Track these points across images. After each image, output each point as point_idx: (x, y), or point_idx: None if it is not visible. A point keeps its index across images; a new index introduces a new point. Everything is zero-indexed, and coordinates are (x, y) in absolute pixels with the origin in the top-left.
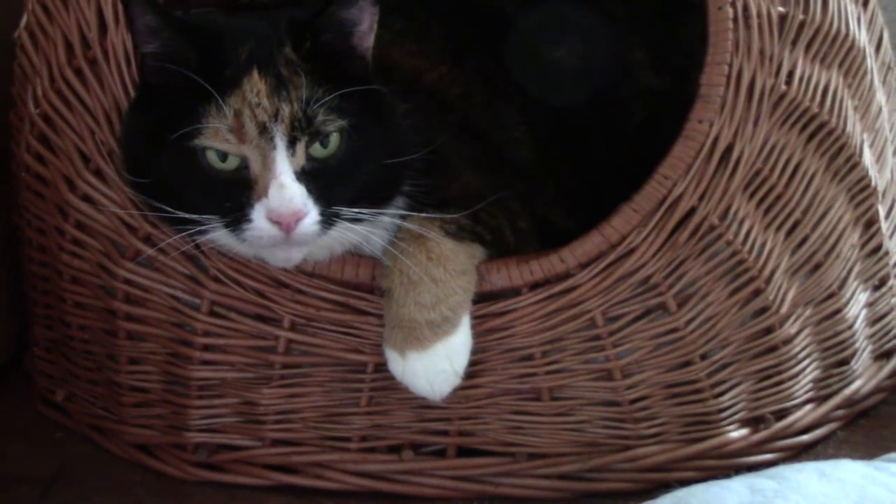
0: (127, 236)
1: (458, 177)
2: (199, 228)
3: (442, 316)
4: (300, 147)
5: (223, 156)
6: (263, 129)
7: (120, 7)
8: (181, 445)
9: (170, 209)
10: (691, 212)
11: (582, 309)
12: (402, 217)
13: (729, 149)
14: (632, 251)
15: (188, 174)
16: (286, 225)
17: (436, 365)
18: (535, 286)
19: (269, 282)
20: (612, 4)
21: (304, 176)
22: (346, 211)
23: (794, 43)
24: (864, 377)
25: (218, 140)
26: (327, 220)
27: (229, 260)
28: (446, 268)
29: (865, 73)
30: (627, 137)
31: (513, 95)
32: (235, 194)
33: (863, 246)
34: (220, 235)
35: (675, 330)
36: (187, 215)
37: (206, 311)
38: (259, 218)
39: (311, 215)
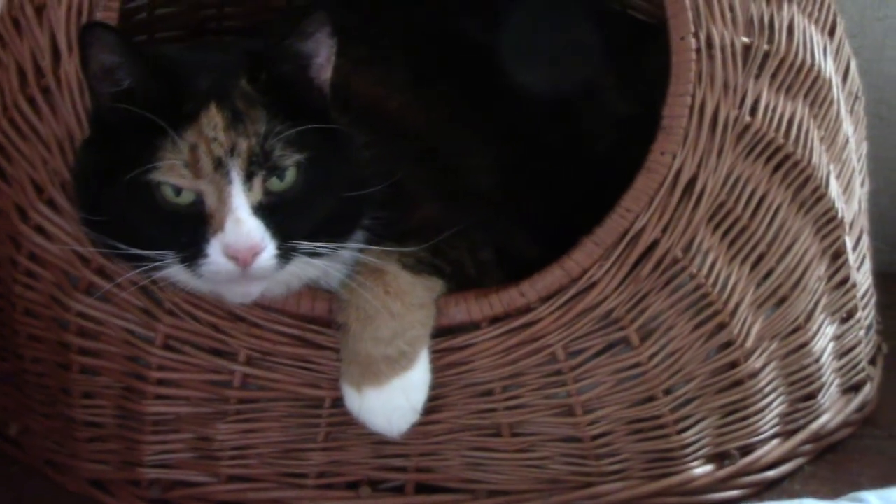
0: (80, 268)
1: (418, 208)
2: (154, 265)
3: (399, 351)
4: (257, 181)
5: (178, 190)
6: (219, 164)
7: (73, 35)
8: (135, 482)
9: (125, 247)
10: (654, 245)
11: (542, 343)
12: (361, 251)
13: (692, 180)
14: (593, 285)
15: (143, 210)
16: (243, 260)
17: (393, 401)
18: (494, 320)
19: (224, 315)
20: (583, 30)
21: (260, 210)
22: (305, 245)
23: (759, 74)
24: (831, 411)
25: (173, 175)
26: (285, 255)
27: (184, 293)
28: (404, 301)
29: (832, 103)
30: (594, 164)
31: (478, 122)
32: (191, 229)
33: (829, 278)
34: (175, 271)
35: (637, 364)
36: (143, 252)
37: (161, 345)
38: (215, 253)
39: (269, 250)
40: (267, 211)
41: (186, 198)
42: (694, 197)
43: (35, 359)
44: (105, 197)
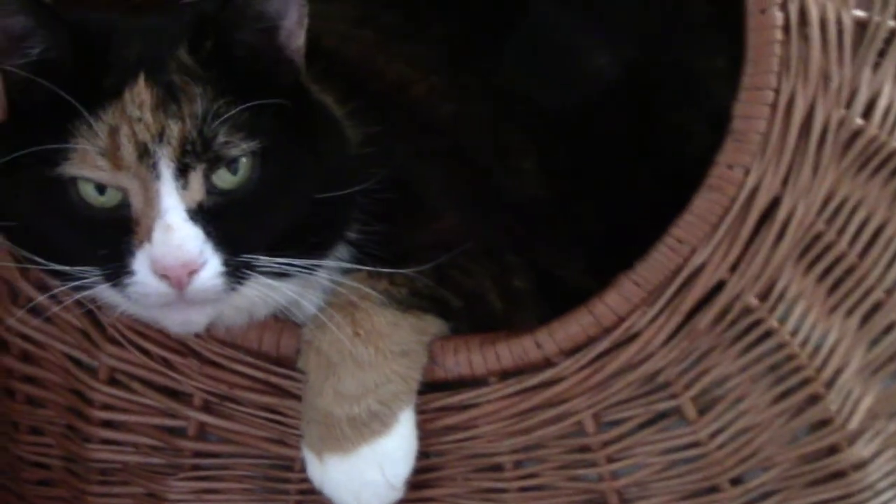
0: (17, 279)
1: (430, 220)
2: (76, 283)
3: (369, 411)
4: (195, 176)
5: (101, 189)
6: (145, 153)
7: None
8: None
9: (40, 260)
10: (718, 288)
11: (566, 409)
12: (344, 272)
13: (774, 204)
14: (633, 338)
15: (57, 215)
16: (176, 279)
17: (362, 474)
18: (505, 375)
19: (176, 348)
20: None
21: (200, 214)
22: (263, 261)
23: (878, 61)
24: None
25: (87, 166)
26: (235, 273)
27: (128, 318)
28: (378, 347)
29: None
30: (682, 170)
31: (524, 116)
32: (114, 239)
33: None
34: (102, 291)
35: (695, 444)
36: (59, 267)
37: (105, 379)
38: (142, 270)
39: (211, 266)
40: (210, 216)
41: (111, 199)
42: (776, 226)
43: None
44: (13, 198)
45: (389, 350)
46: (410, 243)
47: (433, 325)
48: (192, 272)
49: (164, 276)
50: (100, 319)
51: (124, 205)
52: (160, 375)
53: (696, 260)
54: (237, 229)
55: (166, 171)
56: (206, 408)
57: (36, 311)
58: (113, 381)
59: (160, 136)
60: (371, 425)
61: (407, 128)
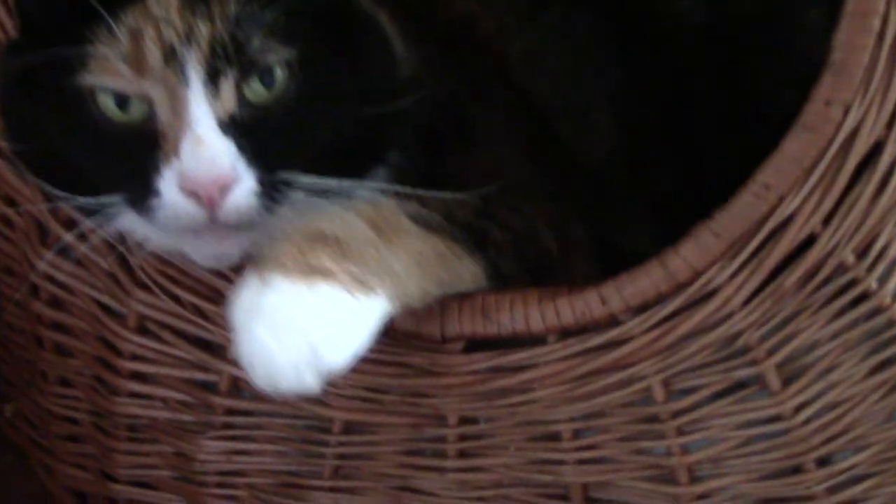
0: (48, 218)
1: (478, 150)
2: (102, 210)
3: (346, 270)
4: (226, 84)
5: (123, 101)
6: (172, 56)
7: None
8: (112, 500)
9: (58, 188)
10: (809, 242)
11: (633, 374)
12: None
13: (877, 148)
14: (710, 295)
15: (77, 133)
16: (207, 197)
17: (302, 310)
18: (565, 334)
19: (208, 294)
20: None
21: (233, 127)
22: (300, 180)
23: None
24: None
25: (108, 74)
26: (272, 192)
27: (159, 260)
28: (392, 240)
29: None
30: (770, 126)
31: (603, 66)
32: (139, 158)
33: None
34: (130, 221)
35: (777, 418)
36: (82, 201)
37: (134, 327)
38: (170, 189)
39: (245, 184)
40: (243, 129)
41: (135, 113)
42: (878, 173)
43: (17, 328)
44: (28, 117)
45: (403, 247)
46: (451, 169)
47: (463, 261)
48: (224, 189)
49: (193, 195)
50: (129, 263)
51: (149, 118)
52: (191, 324)
53: (785, 209)
54: (272, 145)
55: (195, 76)
56: None
57: (65, 253)
58: (142, 330)
59: (188, 38)
60: (339, 276)
61: (466, 59)
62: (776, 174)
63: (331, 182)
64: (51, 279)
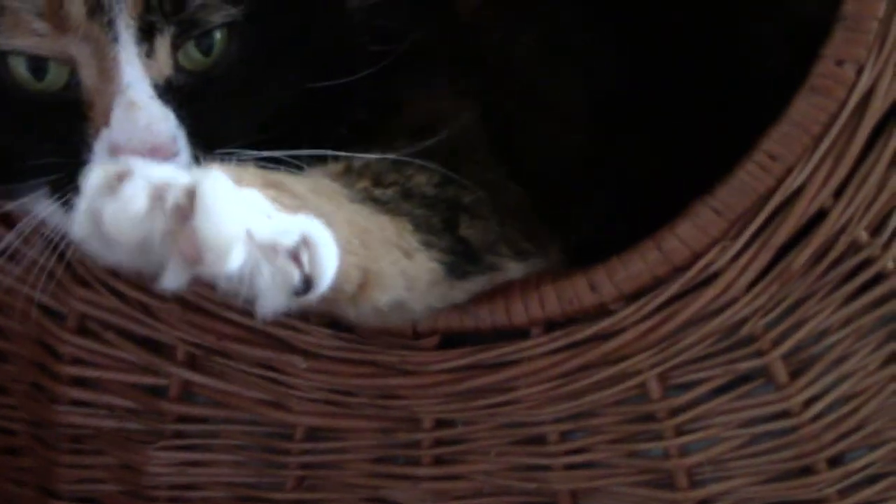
0: None
1: (428, 100)
2: (30, 198)
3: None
4: (162, 43)
5: (38, 66)
6: (98, 8)
7: None
8: None
9: None
10: (819, 217)
11: (626, 369)
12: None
13: (893, 111)
14: (711, 279)
15: None
16: None
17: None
18: (551, 326)
19: (155, 290)
20: None
21: (170, 93)
22: (245, 155)
23: None
24: None
25: (20, 33)
26: None
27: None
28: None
29: None
30: (754, 94)
31: (578, 34)
32: (63, 132)
33: None
34: (53, 213)
35: (785, 414)
36: None
37: (74, 328)
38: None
39: (184, 159)
40: (181, 96)
41: (54, 79)
42: (894, 141)
43: None
44: None
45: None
46: (404, 123)
47: (414, 259)
48: (162, 159)
49: None
50: (67, 257)
51: (71, 84)
52: (137, 323)
53: (793, 182)
54: (210, 117)
55: (126, 32)
56: (191, 363)
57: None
58: (84, 331)
59: None
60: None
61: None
62: (782, 143)
63: (277, 154)
64: None
